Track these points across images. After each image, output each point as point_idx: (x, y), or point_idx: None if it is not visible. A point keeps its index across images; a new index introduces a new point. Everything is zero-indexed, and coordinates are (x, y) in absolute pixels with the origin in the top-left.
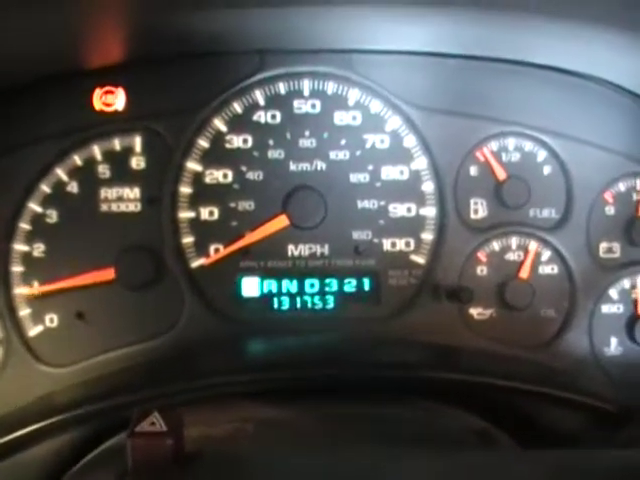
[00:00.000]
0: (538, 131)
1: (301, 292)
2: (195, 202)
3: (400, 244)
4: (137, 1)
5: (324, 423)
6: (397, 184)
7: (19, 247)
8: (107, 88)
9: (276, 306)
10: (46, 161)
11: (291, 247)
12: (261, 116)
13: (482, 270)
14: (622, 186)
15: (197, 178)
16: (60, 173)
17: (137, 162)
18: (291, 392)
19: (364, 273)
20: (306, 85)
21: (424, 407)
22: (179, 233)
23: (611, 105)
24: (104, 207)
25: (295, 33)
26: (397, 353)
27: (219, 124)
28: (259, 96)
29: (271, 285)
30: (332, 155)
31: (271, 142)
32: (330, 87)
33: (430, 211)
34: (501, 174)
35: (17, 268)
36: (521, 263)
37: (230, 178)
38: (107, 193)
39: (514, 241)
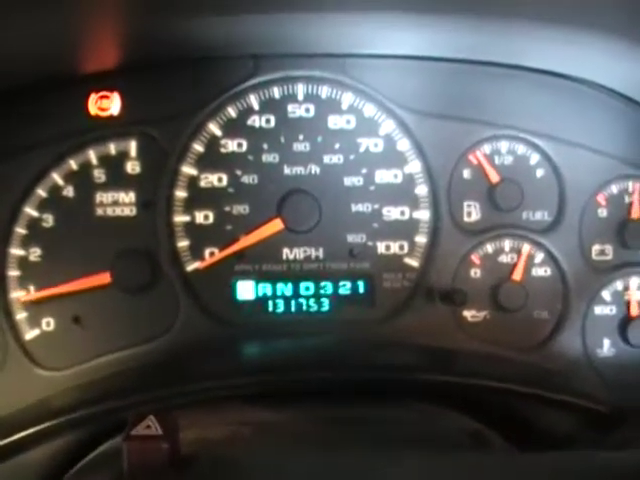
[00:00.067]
0: (531, 134)
1: (296, 295)
2: (190, 206)
3: (394, 247)
4: (133, 6)
5: (319, 425)
6: (391, 187)
7: (15, 251)
8: (102, 93)
9: (271, 309)
10: (42, 165)
11: (286, 250)
12: (255, 120)
13: (476, 272)
14: (615, 189)
15: (192, 182)
16: (56, 177)
17: (132, 166)
18: (286, 395)
19: (358, 276)
20: (300, 89)
21: (419, 409)
22: (174, 237)
23: (604, 108)
24: (100, 211)
25: (289, 38)
26: (391, 355)
27: (214, 128)
28: (253, 100)
29: (266, 288)
30: (326, 159)
31: (265, 146)
32: (324, 91)
33: (424, 214)
34: (494, 177)
35: (13, 272)
36: (514, 265)
37: (225, 182)
38: (103, 197)
39: (507, 243)
